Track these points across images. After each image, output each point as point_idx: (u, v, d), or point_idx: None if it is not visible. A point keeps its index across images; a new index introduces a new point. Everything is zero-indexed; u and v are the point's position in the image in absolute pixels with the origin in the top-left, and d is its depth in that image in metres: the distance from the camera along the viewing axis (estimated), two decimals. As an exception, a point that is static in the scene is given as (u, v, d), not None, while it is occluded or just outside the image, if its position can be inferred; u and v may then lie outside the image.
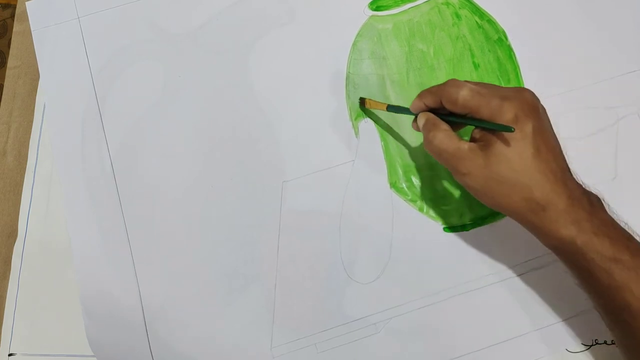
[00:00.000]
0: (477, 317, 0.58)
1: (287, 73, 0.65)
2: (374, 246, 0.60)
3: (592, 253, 0.45)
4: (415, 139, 0.62)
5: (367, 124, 0.63)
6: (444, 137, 0.48)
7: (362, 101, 0.62)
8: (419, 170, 0.61)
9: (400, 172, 0.61)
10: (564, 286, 0.58)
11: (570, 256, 0.47)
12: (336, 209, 0.61)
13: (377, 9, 0.65)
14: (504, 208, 0.47)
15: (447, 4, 0.65)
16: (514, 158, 0.45)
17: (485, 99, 0.46)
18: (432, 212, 0.60)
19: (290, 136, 0.63)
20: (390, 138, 0.62)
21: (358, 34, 0.65)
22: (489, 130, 0.47)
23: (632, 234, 0.47)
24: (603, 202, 0.48)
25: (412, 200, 0.61)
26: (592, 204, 0.47)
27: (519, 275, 0.59)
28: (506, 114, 0.45)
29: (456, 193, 0.61)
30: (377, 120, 0.63)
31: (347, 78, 0.64)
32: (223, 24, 0.67)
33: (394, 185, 0.61)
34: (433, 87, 0.51)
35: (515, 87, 0.48)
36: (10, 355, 0.61)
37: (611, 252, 0.45)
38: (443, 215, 0.60)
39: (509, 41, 0.64)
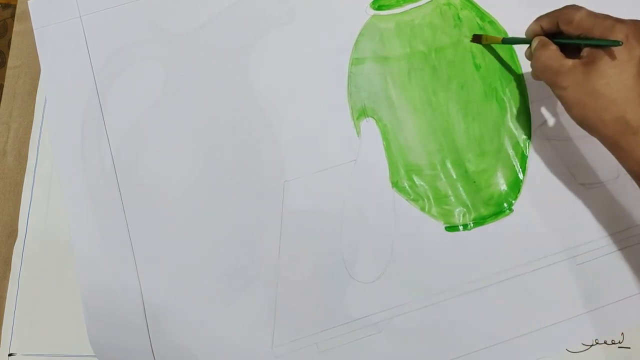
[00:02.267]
0: (477, 316, 0.58)
1: (288, 72, 0.65)
2: (376, 245, 0.60)
3: None
4: (417, 138, 0.62)
5: (368, 123, 0.63)
6: (551, 54, 0.51)
7: (477, 38, 0.63)
8: (421, 170, 0.61)
9: (402, 171, 0.61)
10: (564, 286, 0.58)
11: None
12: (338, 209, 0.61)
13: (379, 8, 0.65)
14: (593, 125, 0.48)
15: (449, 5, 0.65)
16: (615, 76, 0.46)
17: (599, 19, 0.48)
18: (433, 212, 0.60)
19: (292, 136, 0.63)
20: (392, 137, 0.62)
21: (360, 33, 0.65)
22: (597, 48, 0.48)
23: None
24: None
25: (414, 200, 0.61)
26: None
27: (520, 275, 0.59)
28: (618, 33, 0.47)
29: (458, 192, 0.61)
30: (379, 119, 0.63)
31: (349, 77, 0.64)
32: (224, 23, 0.67)
33: (395, 184, 0.61)
34: (550, 11, 0.53)
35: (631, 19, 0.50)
36: (10, 355, 0.60)
37: None
38: (444, 214, 0.60)
39: (510, 41, 0.64)
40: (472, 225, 0.60)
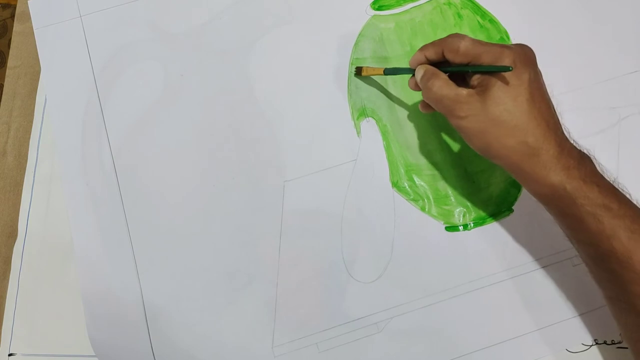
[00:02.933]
0: (477, 316, 0.59)
1: (289, 72, 0.65)
2: (376, 245, 0.60)
3: (582, 199, 0.46)
4: (417, 138, 0.62)
5: (369, 123, 0.63)
6: (443, 84, 0.50)
7: (358, 70, 0.63)
8: (421, 170, 0.61)
9: (402, 171, 0.61)
10: (565, 286, 0.58)
11: (560, 203, 0.48)
12: (338, 209, 0.61)
13: (380, 8, 0.65)
14: (496, 152, 0.49)
15: (449, 4, 0.65)
16: (510, 102, 0.47)
17: (486, 47, 0.49)
18: (433, 212, 0.60)
19: (292, 135, 0.63)
20: (392, 137, 0.62)
21: (360, 33, 0.65)
22: (487, 75, 0.48)
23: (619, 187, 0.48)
24: (593, 158, 0.49)
25: (414, 200, 0.61)
26: (581, 155, 0.48)
27: (520, 275, 0.59)
28: (505, 59, 0.47)
29: (458, 193, 0.61)
30: (379, 119, 0.63)
31: (349, 77, 0.64)
32: (225, 23, 0.67)
33: (395, 184, 0.61)
34: (434, 40, 0.53)
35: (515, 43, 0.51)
36: (10, 355, 0.61)
37: (600, 199, 0.46)
38: (445, 214, 0.60)
39: (511, 41, 0.64)
40: (472, 225, 0.60)
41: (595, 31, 0.65)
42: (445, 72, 0.52)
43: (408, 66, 0.56)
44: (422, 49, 0.53)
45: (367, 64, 0.64)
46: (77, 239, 0.62)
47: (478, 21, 0.64)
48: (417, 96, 0.63)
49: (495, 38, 0.64)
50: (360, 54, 0.64)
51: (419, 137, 0.62)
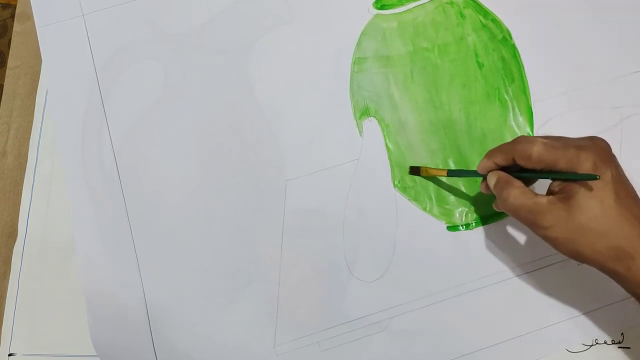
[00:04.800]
0: (478, 316, 0.58)
1: (291, 72, 0.65)
2: (378, 245, 0.60)
3: None
4: (419, 137, 0.62)
5: (370, 122, 0.63)
6: (519, 193, 0.48)
7: (415, 170, 0.61)
8: (423, 169, 0.61)
9: (404, 170, 0.61)
10: (565, 286, 0.58)
11: None
12: (340, 208, 0.61)
13: (382, 7, 0.65)
14: (588, 258, 0.47)
15: (452, 3, 0.65)
16: (597, 207, 0.45)
17: (560, 150, 0.46)
18: (435, 211, 0.60)
19: (294, 135, 0.63)
20: (394, 137, 0.62)
21: (362, 32, 0.65)
22: (568, 182, 0.47)
23: None
24: None
25: (416, 199, 0.61)
26: None
27: (521, 275, 0.59)
28: (584, 163, 0.45)
29: (460, 192, 0.61)
30: (381, 119, 0.63)
31: (351, 77, 0.64)
32: (225, 23, 0.67)
33: (397, 184, 0.61)
34: (501, 145, 0.51)
35: (587, 137, 0.48)
36: (10, 355, 0.60)
37: None
38: (446, 214, 0.60)
39: (514, 40, 0.64)
40: (473, 224, 0.60)
41: (597, 30, 0.65)
42: (519, 178, 0.50)
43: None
44: (490, 155, 0.51)
45: (370, 63, 0.64)
46: (79, 239, 0.62)
47: (480, 20, 0.64)
48: (419, 95, 0.63)
49: (498, 37, 0.64)
50: (363, 54, 0.64)
51: (421, 137, 0.62)
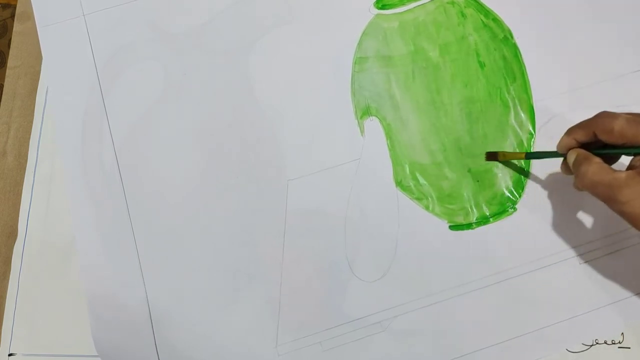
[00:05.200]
0: (480, 316, 0.58)
1: (292, 71, 0.65)
2: (379, 244, 0.60)
3: None
4: (420, 136, 0.62)
5: (372, 122, 0.63)
6: (598, 169, 0.47)
7: (492, 155, 0.60)
8: (425, 168, 0.61)
9: (406, 170, 0.61)
10: (565, 286, 0.58)
11: None
12: (341, 208, 0.61)
13: (383, 7, 0.65)
14: None
15: (453, 2, 0.65)
16: None
17: None
18: (437, 210, 0.60)
19: (295, 134, 0.63)
20: (395, 136, 0.62)
21: (364, 32, 0.65)
22: None
23: None
24: None
25: (418, 199, 0.61)
26: None
27: (521, 275, 0.59)
28: None
29: (462, 191, 0.61)
30: (382, 118, 0.62)
31: (353, 77, 0.64)
32: (225, 23, 0.67)
33: (399, 183, 0.61)
34: (582, 121, 0.50)
35: None
36: (10, 355, 0.60)
37: None
38: (449, 213, 0.60)
39: (515, 40, 0.64)
40: (475, 224, 0.60)
41: (600, 28, 0.65)
42: (599, 155, 0.49)
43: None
44: (570, 132, 0.51)
45: (371, 63, 0.64)
46: (80, 240, 0.61)
47: (482, 20, 0.64)
48: (420, 95, 0.63)
49: (499, 37, 0.64)
50: (364, 53, 0.64)
51: (423, 136, 0.62)
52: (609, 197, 0.46)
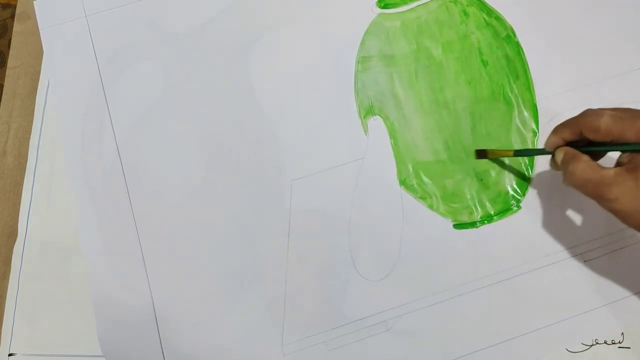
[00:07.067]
0: (483, 315, 0.58)
1: (296, 71, 0.65)
2: (384, 244, 0.60)
3: None
4: (424, 136, 0.62)
5: (375, 121, 0.63)
6: (586, 167, 0.47)
7: (481, 153, 0.61)
8: (429, 167, 0.61)
9: (410, 169, 0.61)
10: (566, 286, 0.58)
11: None
12: (345, 207, 0.61)
13: (385, 6, 0.66)
14: None
15: (455, 1, 0.65)
16: None
17: (628, 121, 0.46)
18: (441, 209, 0.60)
19: (299, 134, 0.63)
20: (399, 135, 0.62)
21: (366, 32, 0.65)
22: (637, 152, 0.46)
23: None
24: None
25: (422, 198, 0.60)
26: None
27: (522, 274, 0.59)
28: None
29: (466, 190, 0.61)
30: (386, 117, 0.63)
31: (356, 76, 0.64)
32: (225, 23, 0.67)
33: (403, 182, 0.61)
34: (568, 120, 0.50)
35: None
36: (10, 355, 0.60)
37: None
38: (453, 212, 0.60)
39: (518, 38, 0.64)
40: (479, 222, 0.60)
41: (602, 27, 0.65)
42: (587, 152, 0.49)
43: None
44: (557, 130, 0.51)
45: (374, 62, 0.64)
46: (85, 240, 0.61)
47: (484, 18, 0.65)
48: (423, 94, 0.63)
49: (502, 35, 0.64)
50: (367, 53, 0.65)
51: (426, 135, 0.62)
52: (598, 194, 0.47)
